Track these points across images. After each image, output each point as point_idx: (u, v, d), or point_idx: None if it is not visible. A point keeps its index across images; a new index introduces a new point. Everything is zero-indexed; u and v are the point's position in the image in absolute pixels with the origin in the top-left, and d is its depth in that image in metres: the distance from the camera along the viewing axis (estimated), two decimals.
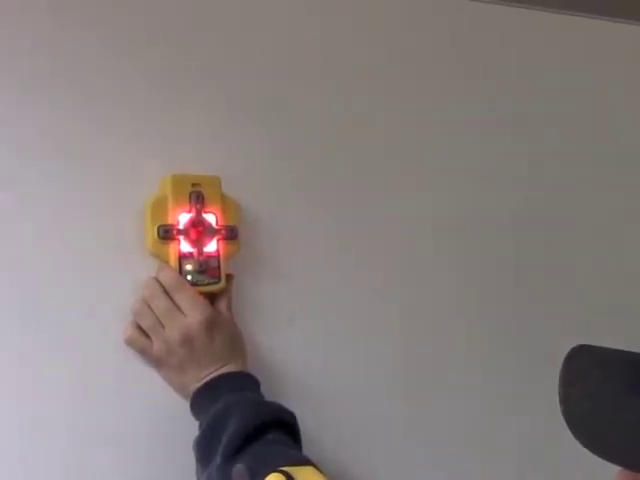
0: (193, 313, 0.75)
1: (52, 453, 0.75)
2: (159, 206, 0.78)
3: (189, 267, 0.78)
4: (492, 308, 0.98)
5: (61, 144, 0.79)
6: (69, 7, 0.81)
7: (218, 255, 0.79)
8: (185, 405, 0.77)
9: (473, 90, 1.01)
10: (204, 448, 0.71)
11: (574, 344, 0.48)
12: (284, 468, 0.63)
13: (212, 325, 0.76)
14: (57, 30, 0.80)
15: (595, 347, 0.48)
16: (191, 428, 0.74)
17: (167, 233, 0.77)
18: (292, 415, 0.74)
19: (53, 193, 0.78)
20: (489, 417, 0.96)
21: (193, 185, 0.79)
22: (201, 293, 0.77)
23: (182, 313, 0.76)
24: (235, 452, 0.67)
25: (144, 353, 0.78)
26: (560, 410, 0.47)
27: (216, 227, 0.80)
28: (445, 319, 0.95)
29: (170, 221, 0.78)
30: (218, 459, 0.68)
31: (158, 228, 0.77)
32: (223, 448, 0.68)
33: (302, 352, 0.87)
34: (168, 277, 0.77)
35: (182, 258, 0.78)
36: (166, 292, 0.76)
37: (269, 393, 0.78)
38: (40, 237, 0.77)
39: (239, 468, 0.64)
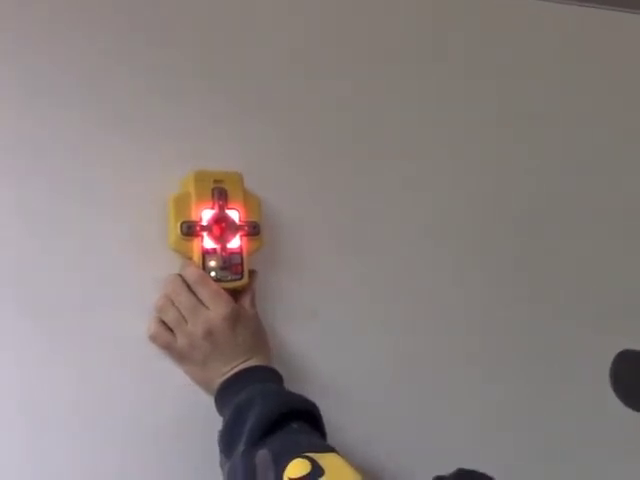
0: (216, 307, 0.75)
1: (62, 452, 0.75)
2: (182, 203, 0.78)
3: (212, 263, 0.78)
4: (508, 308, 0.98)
5: (83, 143, 0.80)
6: (82, 4, 0.82)
7: (241, 251, 0.79)
8: (209, 402, 0.77)
9: (474, 90, 1.01)
10: (228, 437, 0.70)
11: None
12: (308, 454, 0.62)
13: (236, 319, 0.76)
14: (72, 29, 0.81)
15: None
16: (214, 425, 0.74)
17: (190, 229, 0.77)
18: (316, 407, 0.73)
19: (76, 192, 0.79)
20: (490, 418, 0.94)
21: (215, 181, 0.79)
22: (224, 289, 0.77)
23: (206, 308, 0.76)
24: (259, 439, 0.67)
25: (168, 348, 0.78)
26: None
27: (239, 223, 0.80)
28: (463, 316, 0.95)
29: (193, 217, 0.78)
30: (241, 447, 0.67)
31: (181, 225, 0.77)
32: (247, 435, 0.67)
33: (325, 348, 0.86)
34: (192, 273, 0.77)
35: (205, 254, 0.78)
36: (189, 288, 0.77)
37: (292, 388, 0.77)
38: (63, 236, 0.78)
39: (263, 453, 0.64)
